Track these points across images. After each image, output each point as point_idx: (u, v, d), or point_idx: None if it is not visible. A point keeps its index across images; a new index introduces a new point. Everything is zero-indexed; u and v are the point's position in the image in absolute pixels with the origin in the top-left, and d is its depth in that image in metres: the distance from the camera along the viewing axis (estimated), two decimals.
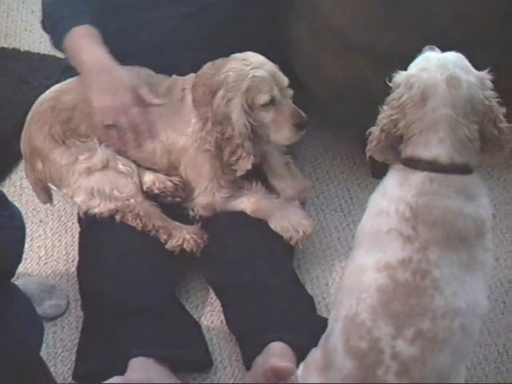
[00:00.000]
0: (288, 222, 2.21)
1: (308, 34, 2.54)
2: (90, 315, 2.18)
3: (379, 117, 1.82)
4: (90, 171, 2.24)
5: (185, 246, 2.20)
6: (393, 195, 1.77)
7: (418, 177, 1.75)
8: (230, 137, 2.13)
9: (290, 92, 2.19)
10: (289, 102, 2.18)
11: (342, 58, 2.41)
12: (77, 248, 2.32)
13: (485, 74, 1.78)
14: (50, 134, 2.26)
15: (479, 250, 1.74)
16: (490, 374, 2.10)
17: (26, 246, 1.74)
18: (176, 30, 2.38)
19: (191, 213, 2.26)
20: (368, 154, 1.86)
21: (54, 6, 2.39)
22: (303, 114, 2.18)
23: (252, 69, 2.13)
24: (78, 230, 2.34)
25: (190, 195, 2.25)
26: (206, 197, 2.23)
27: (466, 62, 1.79)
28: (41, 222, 2.54)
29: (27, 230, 1.72)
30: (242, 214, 2.23)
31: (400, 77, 1.80)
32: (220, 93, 2.12)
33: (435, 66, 1.77)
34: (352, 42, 2.34)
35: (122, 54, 2.31)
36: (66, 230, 2.50)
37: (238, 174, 2.19)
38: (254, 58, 2.16)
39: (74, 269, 2.33)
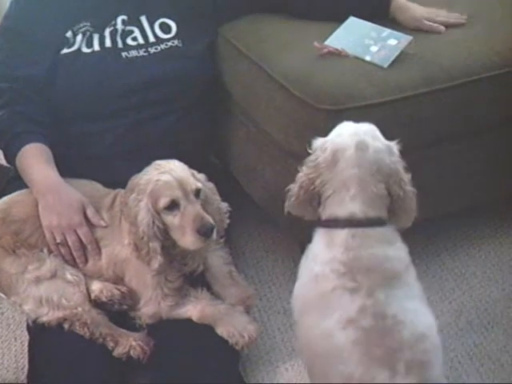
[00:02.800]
0: (233, 327, 2.26)
1: (246, 142, 2.65)
2: None
3: (297, 176, 1.98)
4: (38, 280, 2.28)
5: (131, 353, 2.24)
6: (323, 258, 1.91)
7: (341, 235, 1.89)
8: (140, 236, 2.19)
9: (202, 198, 2.21)
10: (194, 208, 2.18)
11: (279, 164, 2.51)
12: (26, 356, 2.34)
13: (393, 144, 1.96)
14: (0, 244, 2.32)
15: (411, 280, 1.90)
16: None
17: None
18: (117, 141, 2.50)
19: (138, 321, 2.30)
20: (286, 210, 2.02)
21: (7, 123, 2.48)
22: (209, 220, 2.17)
23: (160, 173, 2.19)
24: (27, 338, 2.36)
25: (136, 304, 2.30)
26: (151, 306, 2.27)
27: (377, 133, 1.97)
28: None
29: None
30: (187, 320, 2.28)
31: (318, 142, 1.98)
32: (132, 195, 2.20)
33: (348, 133, 1.95)
34: (288, 151, 2.46)
35: (69, 166, 2.41)
36: (16, 338, 2.53)
37: (151, 273, 2.23)
38: (168, 164, 2.22)
39: (23, 377, 2.35)
